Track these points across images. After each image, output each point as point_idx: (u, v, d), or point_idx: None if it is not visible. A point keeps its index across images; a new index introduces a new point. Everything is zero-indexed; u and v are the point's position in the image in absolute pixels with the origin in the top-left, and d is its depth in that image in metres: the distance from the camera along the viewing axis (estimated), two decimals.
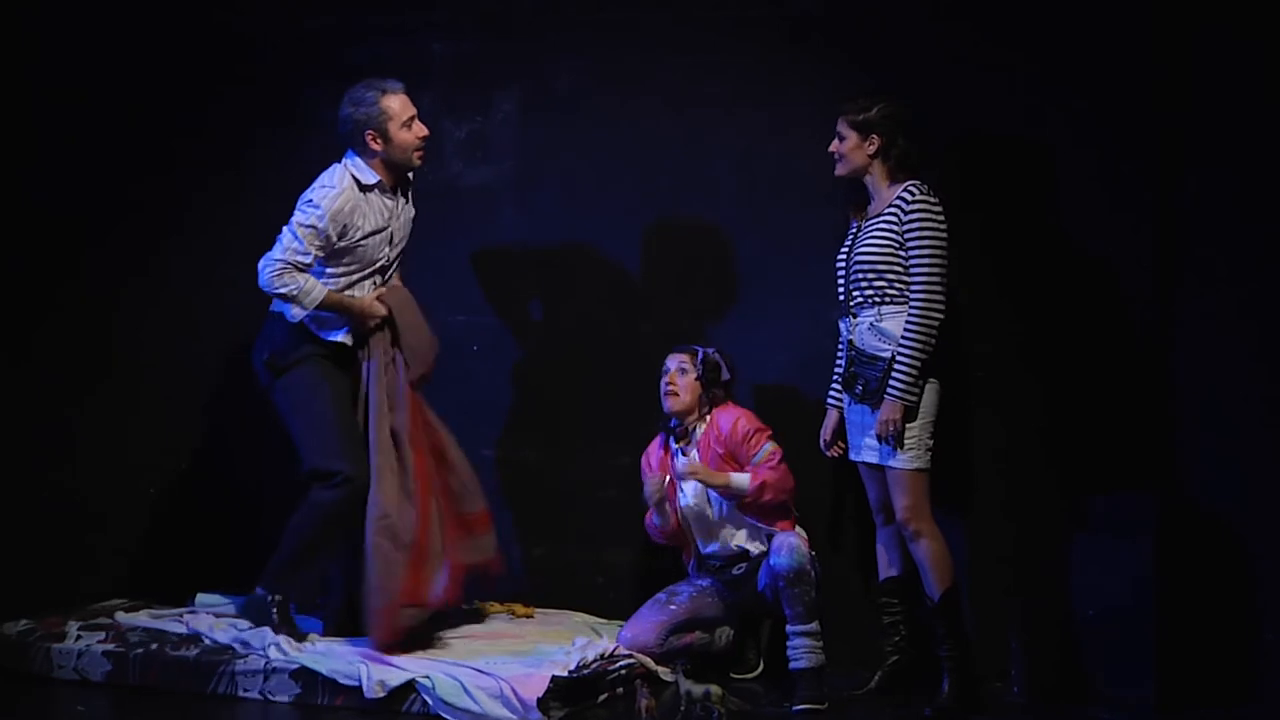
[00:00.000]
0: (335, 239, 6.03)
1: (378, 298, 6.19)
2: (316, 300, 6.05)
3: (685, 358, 6.28)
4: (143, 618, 6.51)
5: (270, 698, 5.91)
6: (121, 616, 6.53)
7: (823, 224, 6.21)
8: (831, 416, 6.16)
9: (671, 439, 6.31)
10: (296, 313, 6.08)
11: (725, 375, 6.27)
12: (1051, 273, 6.13)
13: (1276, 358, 5.74)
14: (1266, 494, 5.78)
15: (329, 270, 6.11)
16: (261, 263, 6.02)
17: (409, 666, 5.84)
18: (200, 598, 6.77)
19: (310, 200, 6.04)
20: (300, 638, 6.10)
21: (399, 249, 6.29)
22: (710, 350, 6.28)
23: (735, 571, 6.26)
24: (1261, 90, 5.72)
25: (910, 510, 5.80)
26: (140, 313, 7.07)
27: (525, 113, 6.90)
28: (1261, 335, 5.78)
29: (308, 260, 6.00)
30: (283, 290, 6.02)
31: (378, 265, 6.21)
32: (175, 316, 7.09)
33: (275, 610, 6.15)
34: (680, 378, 6.24)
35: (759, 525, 6.15)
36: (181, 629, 6.35)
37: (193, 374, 7.07)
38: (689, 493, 6.27)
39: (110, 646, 6.18)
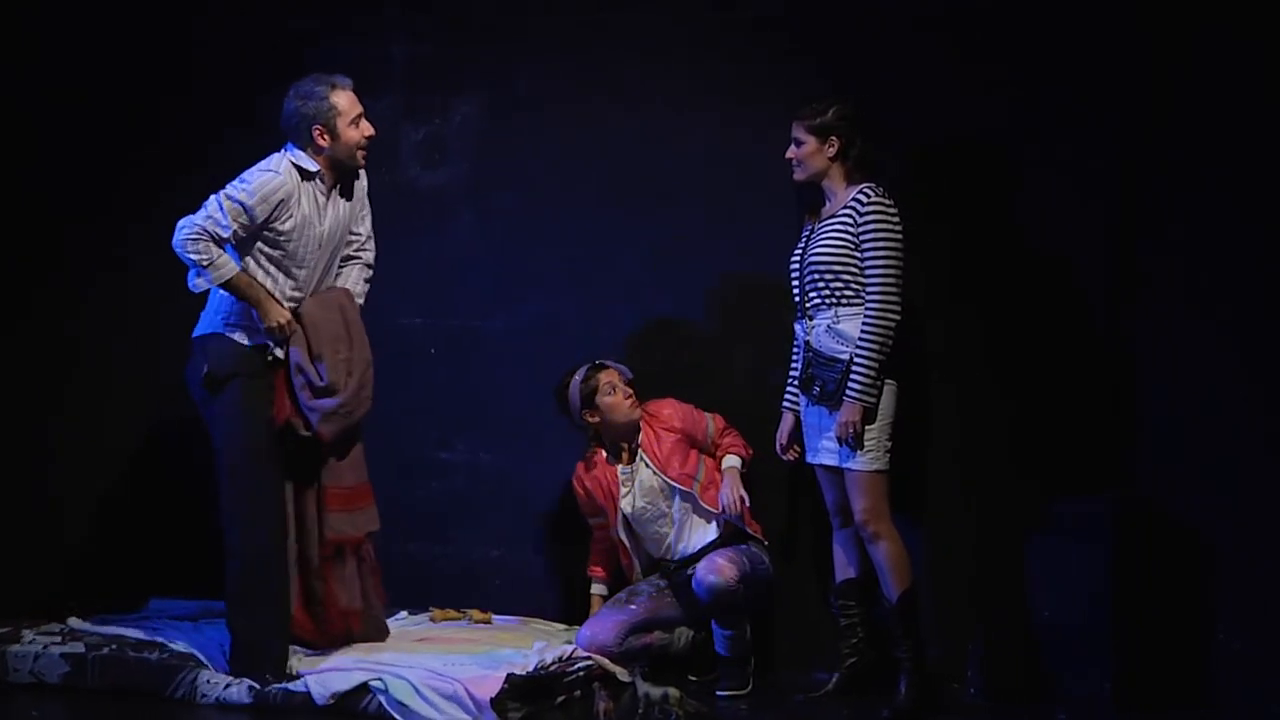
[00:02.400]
0: (259, 220, 5.84)
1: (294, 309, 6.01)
2: (225, 277, 5.82)
3: (613, 374, 6.31)
4: (97, 623, 6.46)
5: (227, 703, 5.87)
6: (75, 622, 6.48)
7: (785, 226, 6.20)
8: (788, 419, 6.15)
9: (609, 457, 6.38)
10: (200, 283, 5.86)
11: None
12: (1011, 274, 6.15)
13: (1235, 361, 5.77)
14: (1222, 496, 5.81)
15: (251, 257, 5.94)
16: (180, 223, 5.81)
17: (361, 670, 5.82)
18: (154, 603, 6.74)
19: (244, 178, 5.88)
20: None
21: (329, 254, 6.08)
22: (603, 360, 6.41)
23: (689, 573, 6.25)
24: (1221, 91, 5.75)
25: (869, 512, 5.81)
26: (97, 321, 7.04)
27: (484, 116, 6.89)
28: (1221, 339, 5.81)
29: (226, 234, 5.80)
30: (194, 255, 5.79)
31: (303, 266, 6.00)
32: (134, 324, 7.04)
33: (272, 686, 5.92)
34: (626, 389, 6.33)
35: (741, 526, 6.19)
36: (139, 634, 6.29)
37: (148, 379, 7.01)
38: (640, 496, 6.28)
39: (68, 648, 6.13)
